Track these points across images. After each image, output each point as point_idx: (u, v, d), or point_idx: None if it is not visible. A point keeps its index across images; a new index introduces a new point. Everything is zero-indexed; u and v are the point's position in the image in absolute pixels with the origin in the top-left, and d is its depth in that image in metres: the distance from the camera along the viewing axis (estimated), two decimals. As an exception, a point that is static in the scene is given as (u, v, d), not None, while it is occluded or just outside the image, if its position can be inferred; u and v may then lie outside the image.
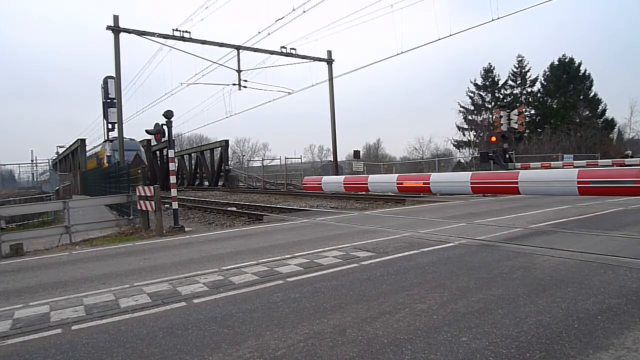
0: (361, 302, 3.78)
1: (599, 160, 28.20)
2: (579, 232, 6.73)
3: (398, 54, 18.12)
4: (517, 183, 5.07)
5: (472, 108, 47.97)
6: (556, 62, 44.53)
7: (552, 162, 26.59)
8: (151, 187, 10.48)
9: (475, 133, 46.91)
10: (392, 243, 6.46)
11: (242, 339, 3.11)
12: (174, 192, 11.03)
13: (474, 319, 3.25)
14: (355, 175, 21.56)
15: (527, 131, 38.55)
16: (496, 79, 47.33)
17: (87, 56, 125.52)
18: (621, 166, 23.61)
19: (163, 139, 11.49)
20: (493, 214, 9.25)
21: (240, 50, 24.80)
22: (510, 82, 47.06)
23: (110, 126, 31.75)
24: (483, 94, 47.82)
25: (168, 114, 11.01)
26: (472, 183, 5.59)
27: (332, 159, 30.70)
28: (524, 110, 30.62)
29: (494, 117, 28.64)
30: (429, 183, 6.16)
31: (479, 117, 47.57)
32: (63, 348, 3.14)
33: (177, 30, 22.73)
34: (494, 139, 22.20)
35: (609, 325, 3.03)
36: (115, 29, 22.32)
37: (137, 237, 9.98)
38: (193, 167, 44.94)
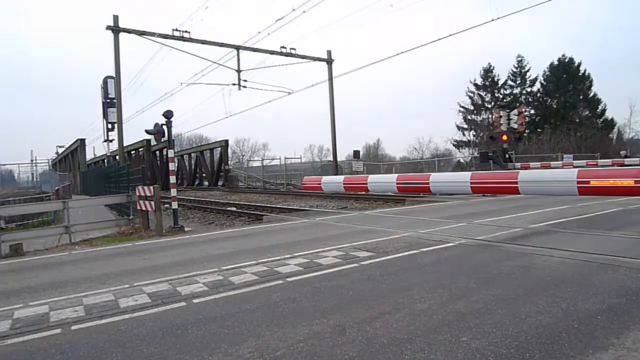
0: (361, 302, 3.78)
1: (599, 160, 28.21)
2: (579, 232, 6.73)
3: (397, 54, 18.22)
4: (516, 183, 5.08)
5: (472, 108, 47.95)
6: (556, 62, 44.58)
7: (551, 162, 26.60)
8: (151, 187, 10.48)
9: (475, 133, 46.91)
10: (392, 243, 6.46)
11: (242, 339, 3.11)
12: (173, 192, 11.02)
13: (474, 319, 3.24)
14: (355, 175, 21.58)
15: (526, 131, 38.62)
16: (496, 79, 47.30)
17: (87, 56, 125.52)
18: (621, 166, 23.65)
19: (163, 139, 11.49)
20: (493, 214, 9.24)
21: (240, 50, 24.80)
22: (510, 82, 47.07)
23: (110, 126, 31.62)
24: (483, 93, 47.79)
25: (168, 114, 11.00)
26: (471, 183, 5.59)
27: (332, 159, 30.70)
28: (523, 110, 30.66)
29: (493, 117, 28.68)
30: (428, 183, 6.16)
31: (478, 117, 47.57)
32: (63, 348, 3.14)
33: (177, 30, 22.74)
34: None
35: (609, 325, 3.02)
36: (115, 29, 22.33)
37: (136, 237, 9.98)
38: (193, 167, 44.93)
